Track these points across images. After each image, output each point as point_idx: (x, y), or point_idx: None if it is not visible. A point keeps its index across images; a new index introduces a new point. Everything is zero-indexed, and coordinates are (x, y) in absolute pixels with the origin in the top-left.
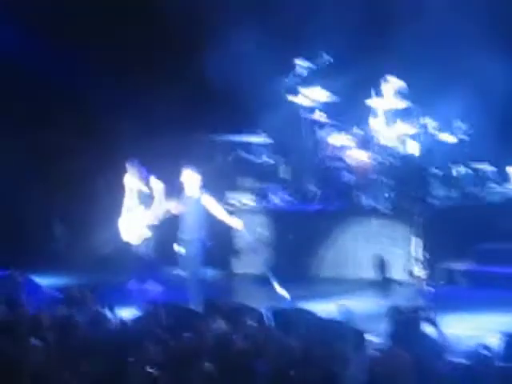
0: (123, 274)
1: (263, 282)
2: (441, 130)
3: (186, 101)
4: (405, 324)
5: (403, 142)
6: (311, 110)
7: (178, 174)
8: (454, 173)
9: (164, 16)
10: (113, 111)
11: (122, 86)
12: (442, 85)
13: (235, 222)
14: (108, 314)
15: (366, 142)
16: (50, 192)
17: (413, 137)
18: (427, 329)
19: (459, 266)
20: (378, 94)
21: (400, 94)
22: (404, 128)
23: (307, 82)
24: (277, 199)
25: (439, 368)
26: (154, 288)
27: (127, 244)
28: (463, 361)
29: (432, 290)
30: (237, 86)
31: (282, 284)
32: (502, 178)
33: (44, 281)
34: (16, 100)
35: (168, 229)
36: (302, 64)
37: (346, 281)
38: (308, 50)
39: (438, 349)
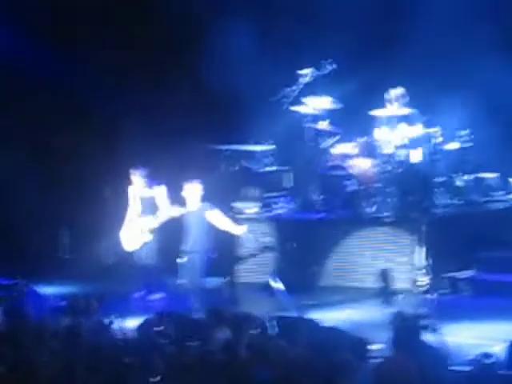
0: (128, 284)
1: (266, 290)
2: (445, 138)
3: (191, 110)
4: (407, 332)
5: (407, 151)
6: (315, 118)
7: (182, 182)
8: (458, 181)
9: (170, 24)
10: (119, 120)
11: (129, 96)
12: (446, 93)
13: (240, 229)
14: (114, 323)
15: (369, 151)
16: (56, 201)
17: (416, 145)
18: (429, 337)
19: (462, 274)
20: (382, 102)
21: (404, 102)
22: (408, 136)
23: (311, 90)
24: (280, 208)
25: (442, 376)
26: (158, 298)
27: (131, 254)
28: (466, 369)
29: (435, 298)
30: (241, 96)
31: (287, 292)
32: (506, 186)
33: (49, 290)
34: (22, 107)
35: (171, 238)
36: (305, 73)
37: (350, 289)
38: (312, 59)
39: (441, 357)
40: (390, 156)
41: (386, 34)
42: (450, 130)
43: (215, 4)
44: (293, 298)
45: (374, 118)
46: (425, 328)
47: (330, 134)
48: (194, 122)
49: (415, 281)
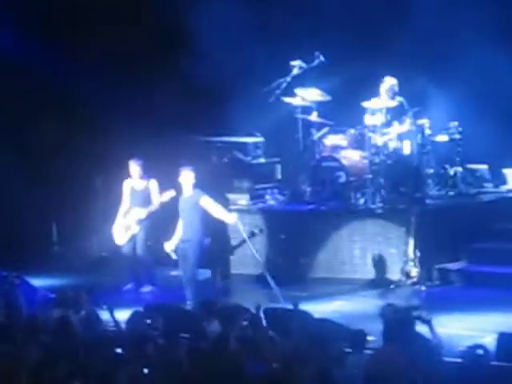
0: (118, 276)
1: (259, 282)
2: (434, 130)
3: (182, 102)
4: (399, 323)
5: (398, 143)
6: (305, 110)
7: (173, 174)
8: (449, 173)
9: (159, 15)
10: (110, 112)
11: (117, 88)
12: (438, 84)
13: (230, 217)
14: (106, 315)
15: (360, 142)
16: (46, 194)
17: (408, 137)
18: (421, 328)
19: (454, 265)
20: (373, 94)
21: (395, 93)
22: (399, 128)
23: (303, 83)
24: (272, 199)
25: (433, 367)
26: (148, 290)
27: (120, 246)
28: (458, 360)
29: (426, 289)
30: (232, 87)
31: (278, 284)
32: (497, 178)
33: (40, 282)
34: (11, 99)
35: (159, 230)
36: (297, 65)
37: (341, 281)
38: (303, 51)
39: (432, 348)
40: (381, 147)
41: (375, 25)
42: (442, 122)
43: None
44: (283, 290)
45: (365, 108)
46: (417, 319)
47: (320, 126)
48: (185, 113)
49: (406, 272)
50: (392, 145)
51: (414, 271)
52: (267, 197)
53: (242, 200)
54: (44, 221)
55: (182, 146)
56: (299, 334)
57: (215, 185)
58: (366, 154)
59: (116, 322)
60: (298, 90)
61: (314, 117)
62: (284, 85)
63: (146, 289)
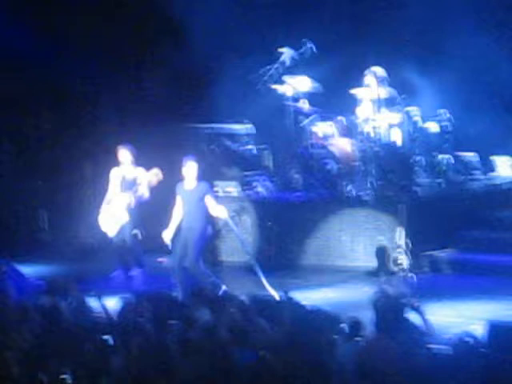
0: (107, 264)
1: (248, 270)
2: (423, 118)
3: (170, 90)
4: (390, 311)
5: (387, 131)
6: (295, 98)
7: (161, 162)
8: (438, 161)
9: (149, 4)
10: (98, 101)
11: (107, 77)
12: (427, 72)
13: (220, 211)
14: (94, 303)
15: (350, 131)
16: (35, 181)
17: (397, 125)
18: (412, 316)
19: (443, 253)
20: (363, 82)
21: (384, 82)
22: (388, 116)
23: (291, 70)
24: (261, 188)
25: (424, 355)
26: (137, 277)
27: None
28: (447, 348)
29: (415, 277)
30: (221, 75)
31: (267, 272)
32: (486, 166)
33: (29, 270)
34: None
35: (148, 217)
36: (286, 53)
37: (330, 268)
38: (292, 39)
39: (423, 336)
40: (370, 135)
41: (364, 12)
42: (431, 110)
43: None
44: (272, 278)
45: (354, 96)
46: (408, 307)
47: (309, 113)
48: (173, 101)
49: (395, 260)
50: (381, 133)
51: (404, 259)
52: (256, 184)
53: (231, 187)
54: (33, 208)
55: (171, 134)
56: (289, 323)
57: (204, 172)
58: (355, 142)
59: (105, 309)
60: (286, 78)
61: (302, 104)
62: (272, 72)
63: (135, 272)
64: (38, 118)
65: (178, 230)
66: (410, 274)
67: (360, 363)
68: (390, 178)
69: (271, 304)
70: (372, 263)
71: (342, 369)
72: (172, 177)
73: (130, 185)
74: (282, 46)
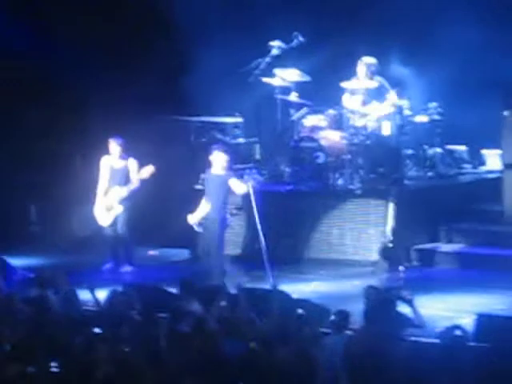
0: (99, 256)
1: (237, 262)
2: (415, 111)
3: (161, 82)
4: (382, 304)
5: (377, 123)
6: (286, 90)
7: (152, 153)
8: (428, 154)
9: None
10: (89, 93)
11: (98, 69)
12: (417, 65)
13: (245, 188)
14: (85, 295)
15: (339, 123)
16: (25, 174)
17: (387, 117)
18: (403, 309)
19: (432, 246)
20: (353, 74)
21: (374, 74)
22: (378, 109)
23: (282, 63)
24: (250, 179)
25: (412, 348)
26: (128, 270)
27: (101, 226)
28: (436, 341)
29: (405, 270)
30: (211, 67)
31: (256, 264)
32: (476, 159)
33: (19, 262)
34: None
35: (141, 210)
36: (276, 45)
37: (319, 261)
38: (282, 31)
39: (414, 329)
40: (360, 128)
41: (354, 4)
42: (421, 103)
43: None
44: (261, 271)
45: (344, 88)
46: (398, 299)
47: (299, 106)
48: (164, 93)
49: (386, 253)
50: (371, 125)
51: (394, 252)
52: (246, 177)
53: None
54: (23, 201)
55: (161, 127)
56: (278, 315)
57: (193, 165)
58: (344, 135)
59: (97, 302)
60: (277, 71)
61: (293, 97)
62: (263, 65)
63: (126, 269)
64: (28, 111)
65: (205, 217)
66: (399, 267)
67: (348, 355)
68: (380, 170)
69: (260, 296)
70: (361, 256)
71: (330, 360)
72: (161, 169)
73: (119, 176)
74: (272, 39)
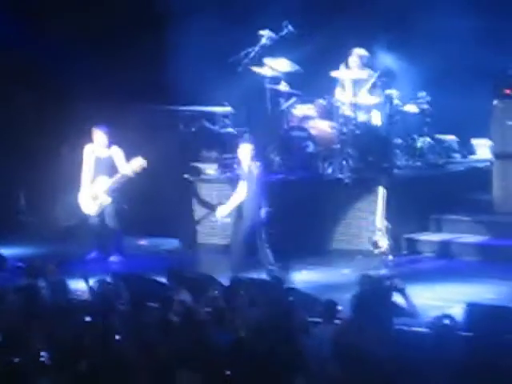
0: (86, 245)
1: (226, 252)
2: (404, 100)
3: (149, 71)
4: (376, 293)
5: (367, 113)
6: (275, 80)
7: (139, 143)
8: (418, 143)
9: None
10: (76, 82)
11: (85, 56)
12: (406, 55)
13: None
14: (74, 284)
15: (329, 113)
16: (13, 163)
17: (377, 107)
18: (396, 298)
19: (422, 235)
20: (343, 64)
21: (364, 64)
22: (368, 98)
23: (272, 53)
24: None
25: (403, 337)
26: (117, 259)
27: (89, 215)
28: (426, 330)
29: (395, 259)
30: (200, 56)
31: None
32: (466, 149)
33: (8, 251)
34: None
35: (130, 200)
36: (266, 34)
37: (310, 251)
38: (272, 21)
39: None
40: (349, 118)
41: None
42: (411, 92)
43: None
44: (251, 260)
45: (334, 78)
46: (392, 289)
47: (288, 96)
48: (153, 83)
49: (375, 242)
50: (360, 115)
51: (382, 241)
52: (235, 166)
53: (210, 169)
54: (11, 190)
55: (149, 116)
56: (267, 304)
57: (183, 154)
58: (334, 124)
59: (91, 291)
60: (266, 60)
61: (282, 87)
62: (252, 54)
63: (114, 258)
64: (13, 101)
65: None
66: (389, 257)
67: (337, 345)
68: (370, 160)
69: (250, 285)
70: (352, 245)
71: (319, 350)
72: (150, 158)
73: (104, 165)
74: (262, 29)
